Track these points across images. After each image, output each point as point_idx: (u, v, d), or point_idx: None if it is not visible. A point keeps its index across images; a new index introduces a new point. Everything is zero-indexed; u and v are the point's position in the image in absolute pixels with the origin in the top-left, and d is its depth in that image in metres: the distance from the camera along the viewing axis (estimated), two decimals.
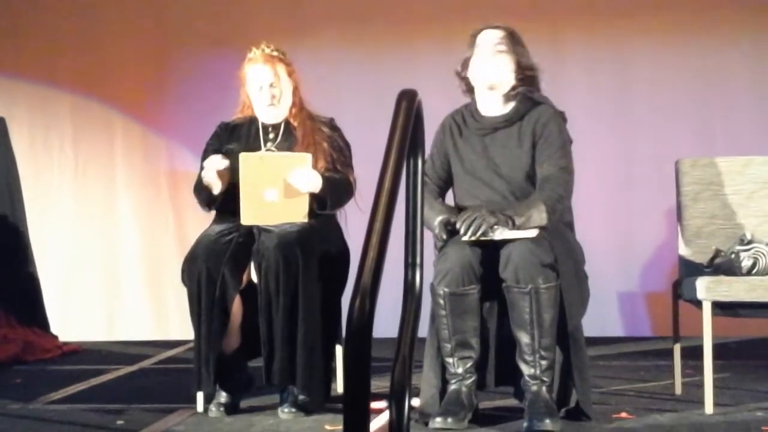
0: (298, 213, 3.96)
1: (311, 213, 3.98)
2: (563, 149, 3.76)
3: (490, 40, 3.81)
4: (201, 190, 4.07)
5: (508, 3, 6.29)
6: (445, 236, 3.70)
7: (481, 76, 3.80)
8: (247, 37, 6.04)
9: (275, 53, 4.13)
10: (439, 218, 3.72)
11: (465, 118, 3.89)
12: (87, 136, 6.79)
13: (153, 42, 6.73)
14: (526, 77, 3.82)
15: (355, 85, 6.45)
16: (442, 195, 3.90)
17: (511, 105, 3.83)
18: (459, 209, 3.77)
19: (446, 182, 3.91)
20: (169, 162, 6.74)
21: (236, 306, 3.90)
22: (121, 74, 6.72)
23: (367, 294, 1.99)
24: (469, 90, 3.89)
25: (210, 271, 3.84)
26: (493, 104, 3.84)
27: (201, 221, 4.37)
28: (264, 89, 4.10)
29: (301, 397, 3.86)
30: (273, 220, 3.94)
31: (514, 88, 3.81)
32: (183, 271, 3.91)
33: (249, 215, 3.96)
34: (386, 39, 6.57)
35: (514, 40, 3.82)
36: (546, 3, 6.46)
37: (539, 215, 3.62)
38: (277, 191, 3.95)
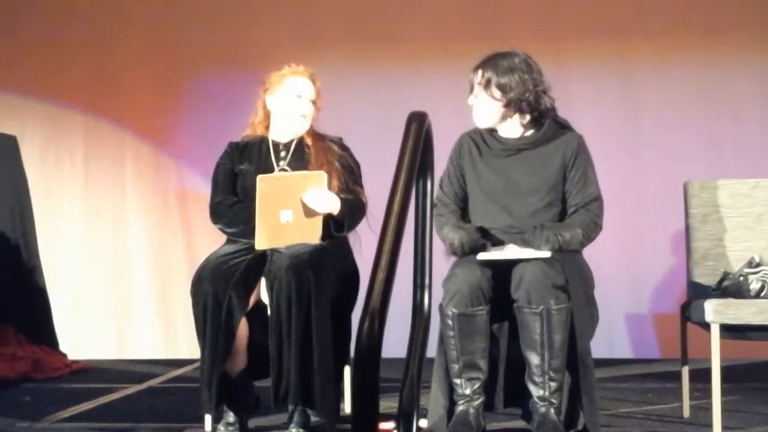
0: (312, 234, 3.90)
1: (327, 235, 3.95)
2: (594, 177, 3.82)
3: (470, 86, 3.83)
4: (241, 223, 4.01)
5: (514, 24, 6.31)
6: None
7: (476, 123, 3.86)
8: (257, 58, 6.11)
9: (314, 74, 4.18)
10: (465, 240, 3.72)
11: (485, 138, 3.88)
12: (97, 154, 6.80)
13: (163, 62, 6.75)
14: (526, 100, 3.79)
15: (364, 105, 6.45)
16: (463, 216, 3.86)
17: (535, 127, 3.83)
18: (481, 230, 3.76)
19: (465, 202, 3.90)
20: (179, 180, 6.75)
21: (242, 327, 3.88)
22: (131, 93, 6.73)
23: (376, 316, 1.99)
24: None
25: (216, 294, 3.81)
26: (512, 127, 3.84)
27: (210, 240, 4.36)
28: (303, 98, 4.10)
29: (314, 418, 3.85)
30: (287, 241, 3.89)
31: (532, 112, 3.81)
32: (190, 292, 3.91)
33: (264, 240, 3.89)
34: (395, 59, 6.58)
35: (492, 72, 3.77)
36: (551, 22, 6.45)
37: (576, 238, 3.69)
38: (292, 212, 3.90)
